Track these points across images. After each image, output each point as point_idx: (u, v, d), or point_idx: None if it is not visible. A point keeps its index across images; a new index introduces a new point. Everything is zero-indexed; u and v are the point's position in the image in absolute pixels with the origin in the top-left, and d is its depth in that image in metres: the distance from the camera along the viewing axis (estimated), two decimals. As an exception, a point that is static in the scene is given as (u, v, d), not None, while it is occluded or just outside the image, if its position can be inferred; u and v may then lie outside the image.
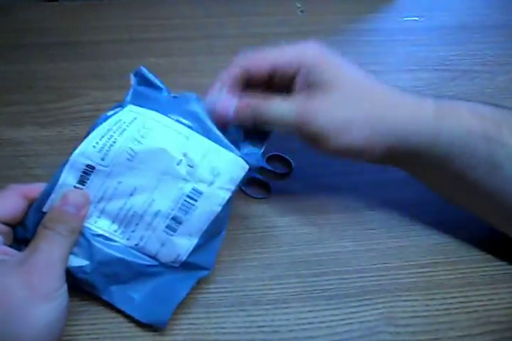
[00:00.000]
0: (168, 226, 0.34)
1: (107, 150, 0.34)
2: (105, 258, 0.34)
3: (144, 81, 0.38)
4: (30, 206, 0.34)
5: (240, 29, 0.61)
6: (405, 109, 0.35)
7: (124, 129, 0.34)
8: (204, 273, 0.36)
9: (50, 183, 0.34)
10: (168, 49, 0.58)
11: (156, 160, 0.34)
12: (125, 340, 0.34)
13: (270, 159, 0.46)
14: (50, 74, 0.55)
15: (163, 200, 0.34)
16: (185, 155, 0.34)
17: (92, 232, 0.34)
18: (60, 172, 0.34)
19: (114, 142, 0.34)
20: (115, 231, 0.35)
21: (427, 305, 0.37)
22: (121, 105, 0.36)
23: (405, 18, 0.64)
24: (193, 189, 0.34)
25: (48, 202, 0.34)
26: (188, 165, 0.34)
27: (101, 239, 0.34)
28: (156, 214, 0.34)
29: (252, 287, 0.37)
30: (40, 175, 0.45)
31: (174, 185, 0.34)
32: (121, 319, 0.35)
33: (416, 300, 0.37)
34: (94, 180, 0.34)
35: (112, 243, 0.35)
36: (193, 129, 0.35)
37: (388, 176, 0.44)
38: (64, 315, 0.31)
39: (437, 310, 0.36)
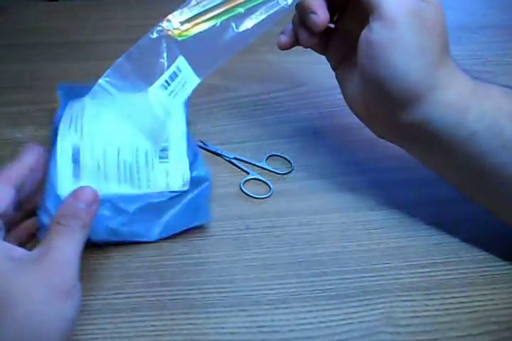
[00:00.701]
0: (161, 157, 0.40)
1: (81, 129, 0.40)
2: (133, 210, 0.38)
3: (73, 94, 0.44)
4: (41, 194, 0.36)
5: (240, 29, 0.61)
6: (451, 73, 0.34)
7: (83, 114, 0.40)
8: (207, 183, 0.41)
9: (48, 176, 0.37)
10: (168, 49, 0.58)
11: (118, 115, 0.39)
12: (125, 340, 0.35)
13: (270, 159, 0.46)
14: (50, 74, 0.55)
15: (144, 141, 0.39)
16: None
17: (110, 197, 0.37)
18: (55, 164, 0.38)
19: (82, 121, 0.40)
20: (125, 187, 0.39)
21: (427, 305, 0.37)
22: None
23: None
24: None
25: (61, 185, 0.37)
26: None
27: (120, 199, 0.38)
28: (146, 154, 0.39)
29: (252, 287, 0.37)
30: (40, 175, 0.45)
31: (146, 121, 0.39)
32: (121, 319, 0.35)
33: (416, 300, 0.37)
34: (85, 158, 0.39)
35: (130, 198, 0.38)
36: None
37: (388, 176, 0.44)
38: (78, 314, 0.31)
39: (437, 310, 0.36)
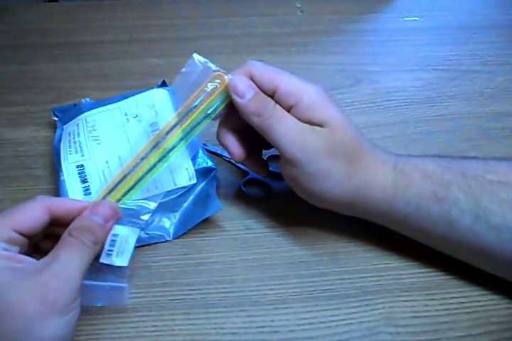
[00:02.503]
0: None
1: (80, 148, 0.42)
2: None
3: (66, 115, 0.46)
4: None
5: (240, 29, 0.61)
6: (371, 173, 0.36)
7: (78, 133, 0.43)
8: (214, 172, 0.42)
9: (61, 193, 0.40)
10: (168, 49, 0.58)
11: (112, 129, 0.42)
12: (125, 340, 0.35)
13: (270, 159, 0.46)
14: (50, 74, 0.55)
15: (141, 146, 0.39)
16: (126, 114, 0.43)
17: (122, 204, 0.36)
18: (63, 185, 0.40)
19: (79, 141, 0.42)
20: (135, 193, 0.38)
21: (427, 305, 0.37)
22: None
23: (405, 18, 0.64)
24: (150, 124, 0.41)
25: None
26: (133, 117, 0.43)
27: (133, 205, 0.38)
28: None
29: (252, 287, 0.37)
30: (40, 175, 0.45)
31: (138, 130, 0.42)
32: (122, 319, 0.35)
33: (416, 300, 0.37)
34: (91, 173, 0.40)
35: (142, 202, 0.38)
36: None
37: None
38: (73, 331, 0.30)
39: (437, 310, 0.36)
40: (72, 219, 0.32)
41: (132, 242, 0.34)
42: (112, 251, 0.34)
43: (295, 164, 0.35)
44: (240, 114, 0.36)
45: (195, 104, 0.36)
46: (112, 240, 0.34)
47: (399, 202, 0.36)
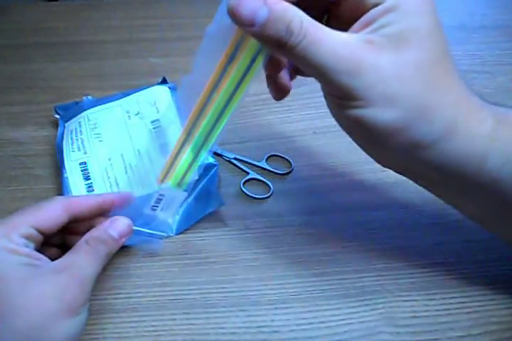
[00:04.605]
0: (162, 153, 0.41)
1: (83, 146, 0.43)
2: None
3: (68, 113, 0.47)
4: None
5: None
6: (460, 113, 0.27)
7: (81, 130, 0.44)
8: (215, 168, 0.42)
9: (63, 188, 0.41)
10: (168, 49, 0.58)
11: (114, 127, 0.43)
12: (125, 340, 0.35)
13: (270, 159, 0.46)
14: (49, 73, 0.55)
15: (143, 142, 0.41)
16: (127, 111, 0.44)
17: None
18: (66, 182, 0.41)
19: (82, 138, 0.43)
20: (138, 189, 0.40)
21: (427, 305, 0.36)
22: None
23: (405, 18, 0.64)
24: (152, 121, 0.43)
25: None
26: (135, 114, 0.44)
27: (136, 201, 0.38)
28: (148, 154, 0.41)
29: (252, 287, 0.37)
30: (40, 175, 0.45)
31: (139, 127, 0.43)
32: (122, 319, 0.35)
33: (416, 300, 0.37)
34: (93, 170, 0.41)
35: (145, 198, 0.38)
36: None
37: (388, 176, 0.44)
38: (81, 332, 0.31)
39: (437, 310, 0.36)
40: (90, 216, 0.35)
41: (178, 202, 0.37)
42: (156, 207, 0.36)
43: (349, 96, 0.26)
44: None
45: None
46: (158, 199, 0.36)
47: (495, 159, 0.27)
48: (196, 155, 0.35)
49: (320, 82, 0.28)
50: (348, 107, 0.27)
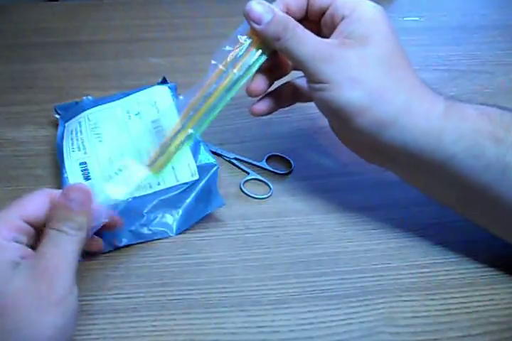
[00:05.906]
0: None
1: (83, 146, 0.42)
2: (148, 210, 0.40)
3: (68, 113, 0.46)
4: None
5: (240, 29, 0.61)
6: (415, 96, 0.34)
7: (81, 130, 0.44)
8: (215, 168, 0.42)
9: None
10: (168, 49, 0.58)
11: (114, 127, 0.43)
12: (125, 340, 0.35)
13: (270, 159, 0.46)
14: (50, 74, 0.55)
15: (143, 141, 0.40)
16: (127, 111, 0.44)
17: (125, 201, 0.36)
18: (67, 182, 0.40)
19: (82, 138, 0.43)
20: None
21: (427, 305, 0.37)
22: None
23: (405, 18, 0.64)
24: (152, 121, 0.42)
25: None
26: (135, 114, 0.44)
27: (135, 201, 0.38)
28: (148, 153, 0.39)
29: (252, 287, 0.37)
30: (40, 174, 0.45)
31: (140, 127, 0.43)
32: (122, 319, 0.35)
33: (416, 300, 0.37)
34: (93, 170, 0.41)
35: (144, 198, 0.40)
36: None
37: (388, 176, 0.44)
38: (74, 317, 0.30)
39: (437, 310, 0.36)
40: None
41: (137, 181, 0.36)
42: (112, 177, 0.35)
43: (322, 80, 0.33)
44: (263, 40, 0.35)
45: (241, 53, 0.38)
46: (117, 171, 0.35)
47: (449, 135, 0.32)
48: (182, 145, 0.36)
49: (302, 70, 0.35)
50: (321, 90, 0.34)
